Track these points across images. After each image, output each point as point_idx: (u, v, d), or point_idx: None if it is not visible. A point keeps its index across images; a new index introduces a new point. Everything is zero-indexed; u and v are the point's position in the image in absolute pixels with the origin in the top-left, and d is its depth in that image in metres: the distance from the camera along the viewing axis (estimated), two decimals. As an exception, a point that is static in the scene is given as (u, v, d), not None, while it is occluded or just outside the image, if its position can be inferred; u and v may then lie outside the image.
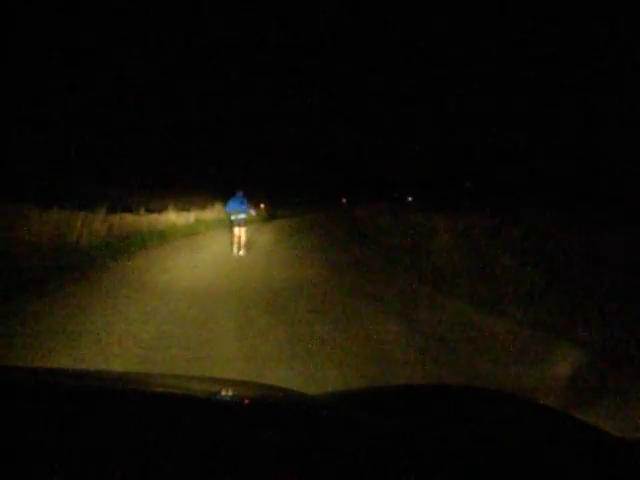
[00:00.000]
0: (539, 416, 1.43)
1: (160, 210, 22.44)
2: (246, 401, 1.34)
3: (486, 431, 1.20)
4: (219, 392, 1.43)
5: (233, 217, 12.40)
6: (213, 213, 26.03)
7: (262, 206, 31.98)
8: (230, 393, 1.44)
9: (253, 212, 13.56)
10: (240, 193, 12.47)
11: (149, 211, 21.11)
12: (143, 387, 1.38)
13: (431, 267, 8.47)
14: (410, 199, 48.26)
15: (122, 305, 6.45)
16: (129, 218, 18.00)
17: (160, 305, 6.53)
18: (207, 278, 8.77)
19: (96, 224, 14.32)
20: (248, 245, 12.90)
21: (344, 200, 55.60)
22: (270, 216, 30.97)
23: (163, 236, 16.78)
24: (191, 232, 19.79)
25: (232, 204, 12.44)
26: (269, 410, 1.18)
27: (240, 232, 12.36)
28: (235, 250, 12.34)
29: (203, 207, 26.86)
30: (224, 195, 32.11)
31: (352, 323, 5.73)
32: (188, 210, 24.50)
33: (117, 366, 4.00)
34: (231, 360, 4.31)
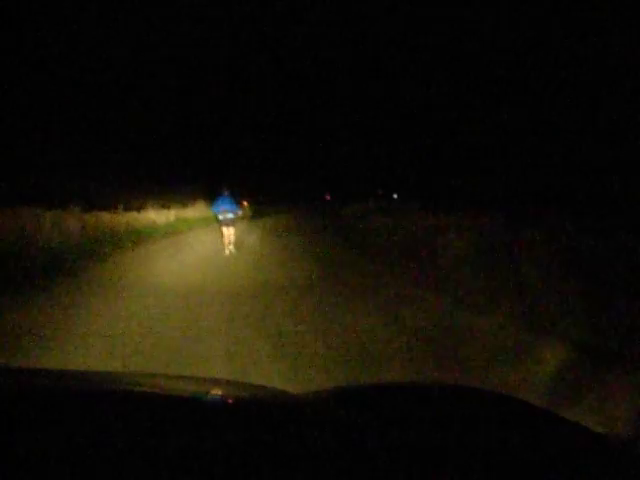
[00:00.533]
0: (520, 413, 1.43)
1: (139, 208, 21.52)
2: (229, 400, 1.35)
3: (467, 429, 1.20)
4: (203, 391, 1.44)
5: (221, 217, 12.32)
6: (195, 211, 25.14)
7: (245, 204, 31.11)
8: (213, 392, 1.45)
9: (239, 212, 13.43)
10: (226, 192, 12.47)
11: (128, 209, 20.25)
12: (125, 386, 1.39)
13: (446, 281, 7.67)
14: (395, 196, 47.91)
15: (85, 325, 5.48)
16: (106, 217, 17.08)
17: (132, 326, 5.47)
18: (188, 287, 7.81)
19: (69, 223, 13.41)
20: (237, 245, 12.71)
21: (327, 197, 55.22)
22: (256, 214, 29.94)
23: (141, 236, 15.87)
24: (171, 231, 18.85)
25: (220, 204, 12.40)
26: (252, 409, 1.20)
27: (229, 231, 12.33)
28: (226, 250, 12.24)
29: (184, 205, 25.95)
30: (206, 193, 31.55)
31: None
32: (168, 208, 23.55)
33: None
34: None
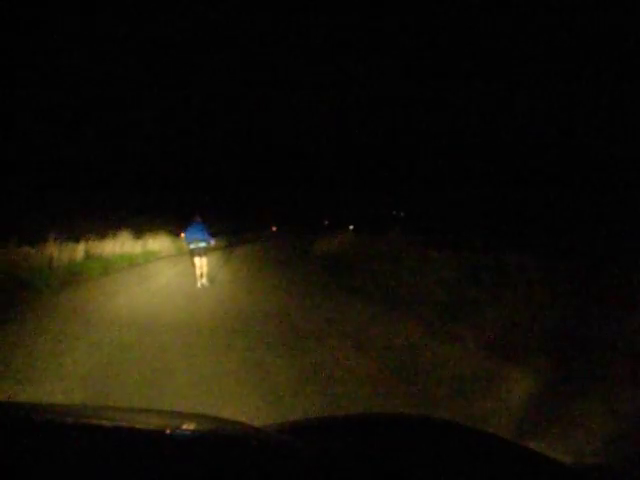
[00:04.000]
0: (488, 445, 1.42)
1: (34, 242, 15.41)
2: (194, 433, 1.28)
3: (433, 461, 1.19)
4: (168, 424, 1.36)
5: (193, 246, 11.35)
6: (115, 245, 18.87)
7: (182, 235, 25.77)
8: (178, 425, 1.36)
9: (212, 242, 11.82)
10: (198, 220, 11.51)
11: (22, 243, 14.38)
12: (88, 420, 1.32)
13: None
14: (351, 227, 44.15)
15: None
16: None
17: None
18: None
19: None
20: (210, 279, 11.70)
21: (274, 228, 50.97)
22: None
23: (19, 290, 9.87)
24: (73, 278, 12.72)
25: (191, 232, 11.44)
26: (216, 442, 1.17)
27: (201, 262, 11.36)
28: (198, 282, 11.35)
29: (102, 236, 19.63)
30: (133, 221, 25.41)
31: None
32: (78, 241, 17.36)
33: None
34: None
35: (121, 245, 18.92)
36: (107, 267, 14.87)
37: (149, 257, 19.85)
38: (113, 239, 19.56)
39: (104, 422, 1.29)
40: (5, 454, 0.90)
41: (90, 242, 17.57)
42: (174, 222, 30.96)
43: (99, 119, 27.25)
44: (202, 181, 41.83)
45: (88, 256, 15.48)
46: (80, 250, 15.08)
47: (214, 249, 27.53)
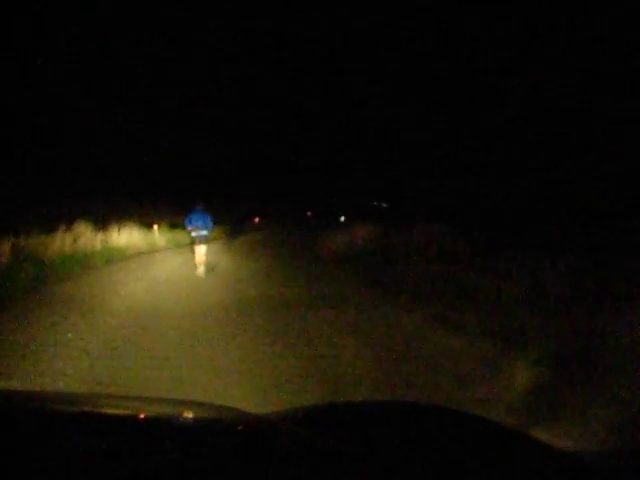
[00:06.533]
0: (490, 434, 1.37)
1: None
2: (193, 421, 1.29)
3: (436, 450, 1.15)
4: (167, 412, 1.38)
5: (194, 234, 11.45)
6: (67, 241, 14.38)
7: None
8: (177, 413, 1.38)
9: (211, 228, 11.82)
10: (201, 207, 11.52)
11: None
12: (90, 408, 1.33)
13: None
14: (343, 219, 40.71)
15: None
16: None
17: None
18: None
19: None
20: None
21: (256, 219, 47.63)
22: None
23: None
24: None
25: (193, 219, 11.45)
26: (215, 430, 1.15)
27: (201, 250, 11.44)
28: (197, 269, 11.39)
29: (50, 229, 15.12)
30: (98, 211, 20.85)
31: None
32: (17, 236, 12.90)
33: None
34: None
35: (74, 241, 14.52)
36: (45, 275, 10.51)
37: (112, 256, 15.53)
38: (65, 233, 15.09)
39: (96, 410, 1.28)
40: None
41: (30, 238, 13.17)
42: (147, 211, 26.73)
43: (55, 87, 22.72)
44: (176, 167, 37.39)
45: (21, 258, 11.10)
46: (6, 249, 10.67)
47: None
